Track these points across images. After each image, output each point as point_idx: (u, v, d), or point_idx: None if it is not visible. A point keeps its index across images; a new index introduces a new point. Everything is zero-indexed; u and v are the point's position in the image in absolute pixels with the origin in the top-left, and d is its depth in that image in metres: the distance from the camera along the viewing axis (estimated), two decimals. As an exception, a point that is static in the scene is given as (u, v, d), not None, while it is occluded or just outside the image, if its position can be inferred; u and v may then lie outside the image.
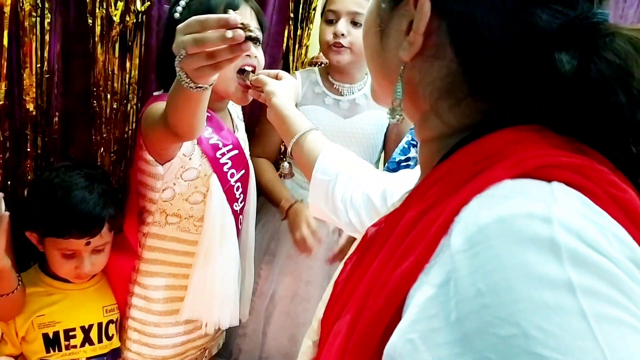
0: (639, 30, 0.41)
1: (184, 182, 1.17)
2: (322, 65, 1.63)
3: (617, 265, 0.32)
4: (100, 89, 1.32)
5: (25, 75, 1.22)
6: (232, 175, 1.23)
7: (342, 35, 1.39)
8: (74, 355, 1.22)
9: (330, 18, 1.42)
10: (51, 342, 1.19)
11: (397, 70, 0.49)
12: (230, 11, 0.73)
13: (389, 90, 0.51)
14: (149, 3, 1.31)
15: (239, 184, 1.25)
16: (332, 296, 0.56)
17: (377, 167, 1.60)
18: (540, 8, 0.41)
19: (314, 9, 1.60)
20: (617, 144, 0.40)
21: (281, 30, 1.57)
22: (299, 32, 1.62)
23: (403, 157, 1.44)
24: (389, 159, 1.51)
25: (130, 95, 1.37)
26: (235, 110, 1.38)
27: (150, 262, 1.24)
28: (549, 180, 0.37)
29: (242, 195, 1.28)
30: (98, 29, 1.27)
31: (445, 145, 0.47)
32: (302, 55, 1.66)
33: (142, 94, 1.39)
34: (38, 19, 1.21)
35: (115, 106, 1.35)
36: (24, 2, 1.17)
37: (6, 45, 1.18)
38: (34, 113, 1.25)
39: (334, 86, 1.52)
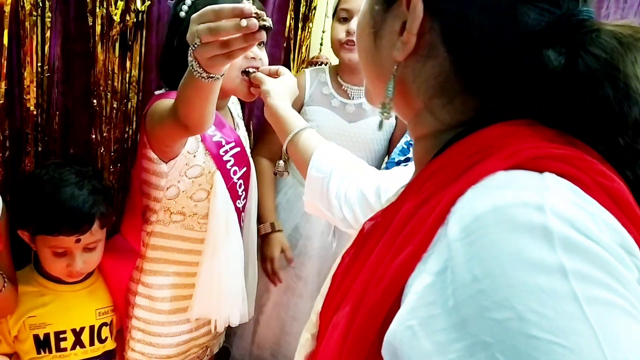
0: (623, 26, 0.42)
1: (188, 179, 1.18)
2: (322, 65, 1.63)
3: (608, 250, 0.33)
4: (101, 88, 1.32)
5: (25, 74, 1.22)
6: (235, 172, 1.24)
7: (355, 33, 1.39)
8: (65, 357, 1.21)
9: (343, 16, 1.43)
10: (42, 344, 1.18)
11: (391, 70, 0.50)
12: (245, 0, 0.73)
13: (382, 90, 0.52)
14: (149, 2, 1.32)
15: (241, 181, 1.26)
16: (330, 289, 0.56)
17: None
18: (528, 7, 0.43)
19: (315, 8, 1.60)
20: (605, 137, 0.41)
21: (281, 30, 1.58)
22: (299, 31, 1.62)
23: (402, 158, 1.44)
24: (388, 159, 1.51)
25: (130, 95, 1.38)
26: (235, 108, 1.39)
27: (154, 261, 1.25)
28: (541, 171, 0.38)
29: (244, 192, 1.29)
30: (98, 28, 1.28)
31: (439, 142, 0.48)
32: (303, 55, 1.66)
33: (142, 93, 1.39)
34: (38, 18, 1.21)
35: (115, 105, 1.36)
36: (25, 1, 1.18)
37: (6, 45, 1.18)
38: (34, 112, 1.26)
39: (342, 87, 1.52)
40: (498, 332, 0.31)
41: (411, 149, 1.40)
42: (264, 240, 1.50)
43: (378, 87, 0.54)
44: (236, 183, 1.24)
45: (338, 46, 1.46)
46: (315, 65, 1.65)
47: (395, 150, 1.49)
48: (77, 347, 1.21)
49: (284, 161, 0.98)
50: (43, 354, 1.18)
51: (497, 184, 0.37)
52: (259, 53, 1.16)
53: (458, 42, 0.46)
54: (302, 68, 1.65)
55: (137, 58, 1.36)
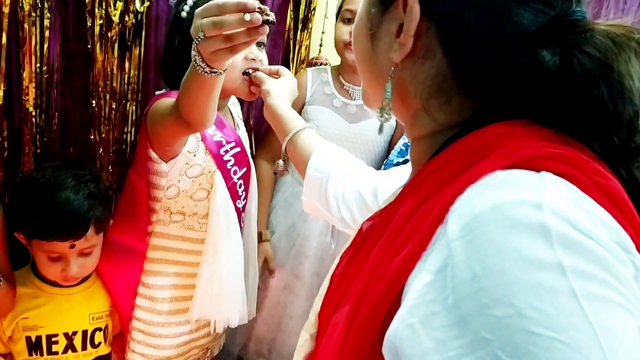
0: (616, 26, 0.42)
1: (188, 179, 1.18)
2: (322, 65, 1.63)
3: (605, 247, 0.34)
4: (100, 89, 1.32)
5: (24, 75, 1.22)
6: (235, 172, 1.24)
7: None
8: (56, 361, 1.20)
9: (347, 17, 1.43)
10: (34, 346, 1.17)
11: (388, 71, 0.51)
12: None
13: (380, 92, 0.53)
14: (148, 3, 1.32)
15: (241, 181, 1.26)
16: (329, 289, 0.56)
17: (377, 173, 1.61)
18: (523, 8, 0.43)
19: (314, 9, 1.60)
20: (600, 135, 0.42)
21: (280, 31, 1.58)
22: (298, 32, 1.62)
23: (401, 159, 1.44)
24: (386, 160, 1.51)
25: (129, 95, 1.38)
26: (235, 109, 1.39)
27: (155, 261, 1.24)
28: (538, 170, 0.38)
29: (244, 192, 1.29)
30: (97, 29, 1.28)
31: (436, 142, 0.49)
32: (302, 56, 1.67)
33: (141, 94, 1.39)
34: (37, 18, 1.21)
35: (114, 106, 1.36)
36: (24, 2, 1.18)
37: (5, 45, 1.18)
38: (33, 113, 1.26)
39: (344, 87, 1.52)
40: (498, 328, 0.32)
41: (409, 150, 1.41)
42: None
43: (376, 89, 0.55)
44: (236, 183, 1.24)
45: (342, 47, 1.46)
46: (314, 66, 1.65)
47: (393, 152, 1.49)
48: (69, 351, 1.20)
49: (283, 160, 0.98)
50: (35, 357, 1.17)
51: (495, 183, 0.38)
52: (259, 54, 1.17)
53: (454, 43, 0.46)
54: (302, 69, 1.66)
55: (136, 59, 1.36)
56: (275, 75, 1.12)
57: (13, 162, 1.27)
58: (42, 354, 1.18)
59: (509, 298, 0.32)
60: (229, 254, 1.23)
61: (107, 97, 1.34)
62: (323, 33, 1.72)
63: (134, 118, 1.41)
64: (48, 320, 1.18)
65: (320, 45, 1.75)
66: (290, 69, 1.61)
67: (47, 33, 1.23)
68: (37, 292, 1.19)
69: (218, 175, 1.20)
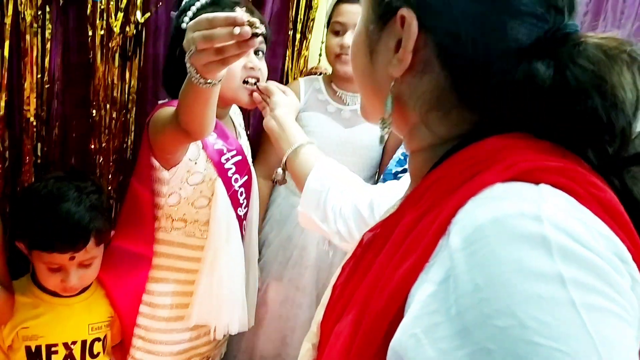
0: (608, 38, 0.44)
1: (190, 186, 1.19)
2: (323, 74, 1.64)
3: (603, 259, 0.35)
4: (100, 98, 1.33)
5: (25, 85, 1.23)
6: (236, 180, 1.25)
7: (350, 47, 1.40)
8: (55, 371, 1.20)
9: (337, 29, 1.44)
10: (33, 356, 1.17)
11: (388, 86, 0.52)
12: (238, 9, 0.75)
13: (380, 106, 0.54)
14: (148, 14, 1.33)
15: (242, 189, 1.27)
16: (331, 299, 0.57)
17: (374, 179, 1.60)
18: (517, 22, 0.45)
19: (313, 20, 1.61)
20: (594, 145, 0.43)
21: (279, 40, 1.59)
22: (297, 42, 1.64)
23: (400, 169, 1.45)
24: (385, 170, 1.52)
25: (129, 105, 1.39)
26: (237, 118, 1.40)
27: (156, 268, 1.25)
28: (537, 183, 0.39)
29: (245, 200, 1.30)
30: (98, 40, 1.29)
31: (435, 154, 0.50)
32: (301, 66, 1.68)
33: (139, 102, 1.40)
34: (39, 29, 1.22)
35: (114, 116, 1.37)
36: (25, 13, 1.19)
37: (7, 56, 1.19)
38: (33, 122, 1.26)
39: (337, 94, 1.53)
40: (500, 339, 0.33)
41: (407, 162, 1.42)
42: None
43: (375, 103, 0.56)
44: (237, 191, 1.25)
45: (333, 58, 1.47)
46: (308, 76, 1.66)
47: (392, 162, 1.49)
48: (68, 360, 1.21)
49: (282, 170, 0.99)
50: (34, 366, 1.17)
51: (495, 196, 0.39)
52: (258, 63, 1.19)
53: (452, 58, 0.47)
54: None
55: (137, 69, 1.37)
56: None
57: (13, 171, 1.28)
58: (41, 364, 1.18)
59: (510, 309, 0.33)
60: (228, 261, 1.24)
61: (108, 106, 1.35)
62: (322, 43, 1.74)
63: (134, 127, 1.41)
64: (48, 330, 1.18)
65: (320, 55, 1.76)
66: (289, 79, 1.62)
67: (48, 44, 1.24)
68: (37, 302, 1.19)
69: (219, 183, 1.21)
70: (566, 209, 0.37)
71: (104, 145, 1.37)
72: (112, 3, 1.29)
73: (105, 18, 1.28)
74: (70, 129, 1.33)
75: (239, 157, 1.26)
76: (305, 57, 1.67)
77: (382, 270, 0.45)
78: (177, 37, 1.17)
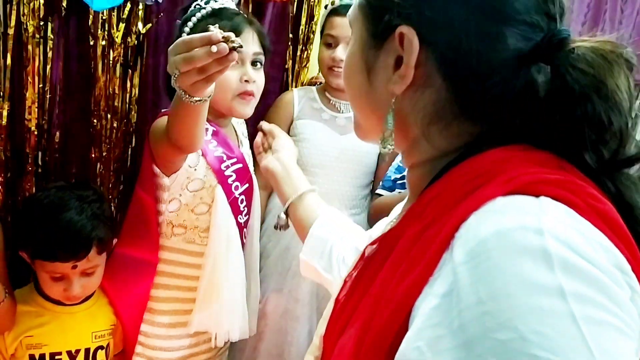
0: (603, 42, 0.45)
1: (190, 192, 1.20)
2: (320, 84, 1.65)
3: (603, 271, 0.36)
4: (101, 108, 1.34)
5: (27, 95, 1.24)
6: (237, 187, 1.26)
7: (342, 60, 1.42)
8: (59, 379, 1.20)
9: (329, 42, 1.46)
10: None
11: (387, 103, 0.52)
12: (211, 27, 0.77)
13: (378, 124, 0.54)
14: (150, 25, 1.34)
15: (243, 197, 1.28)
16: (333, 312, 0.57)
17: (371, 186, 1.61)
18: (514, 31, 0.46)
19: (314, 33, 1.62)
20: (592, 147, 0.44)
21: (279, 51, 1.60)
22: (298, 53, 1.65)
23: (399, 175, 1.45)
24: (383, 176, 1.52)
25: (130, 115, 1.40)
26: (240, 128, 1.41)
27: (157, 275, 1.25)
28: (537, 195, 0.40)
29: (246, 208, 1.30)
30: (99, 50, 1.30)
31: (434, 167, 0.50)
32: (302, 78, 1.68)
33: (141, 112, 1.41)
34: (41, 40, 1.23)
35: (115, 125, 1.37)
36: (28, 23, 1.20)
37: (10, 66, 1.20)
38: (35, 132, 1.27)
39: (331, 102, 1.54)
40: (502, 352, 0.33)
41: (406, 176, 1.42)
42: None
43: (374, 121, 0.56)
44: (238, 198, 1.26)
45: (326, 71, 1.49)
46: (313, 86, 1.67)
47: (391, 169, 1.50)
48: (72, 368, 1.21)
49: (285, 214, 0.98)
50: (38, 374, 1.18)
51: (497, 209, 0.39)
52: (253, 75, 1.20)
53: (454, 70, 0.48)
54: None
55: (138, 79, 1.38)
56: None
57: (15, 181, 1.28)
58: (45, 372, 1.18)
59: (512, 322, 0.33)
60: (228, 268, 1.24)
61: (109, 116, 1.35)
62: (320, 54, 1.74)
63: (134, 137, 1.42)
64: (52, 338, 1.18)
65: (320, 65, 1.76)
66: (289, 89, 1.63)
67: (50, 54, 1.25)
68: (41, 311, 1.19)
69: (219, 190, 1.21)
70: (567, 221, 0.38)
71: (104, 154, 1.37)
72: (113, 14, 1.30)
73: (106, 28, 1.29)
74: (72, 138, 1.33)
75: (240, 165, 1.27)
76: (307, 68, 1.68)
77: (386, 284, 0.45)
78: None
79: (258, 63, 1.24)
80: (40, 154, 1.30)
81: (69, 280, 1.15)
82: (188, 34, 1.16)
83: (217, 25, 0.80)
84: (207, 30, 1.13)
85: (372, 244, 0.57)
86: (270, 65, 1.55)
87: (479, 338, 0.34)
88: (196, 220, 1.23)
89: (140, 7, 1.33)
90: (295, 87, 1.67)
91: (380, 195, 1.50)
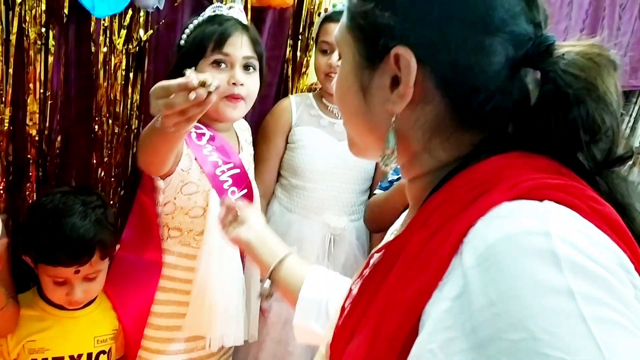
0: (590, 45, 0.47)
1: (184, 195, 1.21)
2: (317, 90, 1.66)
3: (609, 271, 0.37)
4: (103, 114, 1.34)
5: (29, 100, 1.24)
6: (233, 192, 1.26)
7: (338, 66, 1.42)
8: (62, 383, 1.20)
9: (324, 48, 1.46)
10: None
11: (386, 123, 0.52)
12: (187, 71, 0.79)
13: (377, 144, 0.55)
14: (151, 31, 1.35)
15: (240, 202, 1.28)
16: (339, 320, 0.58)
17: (369, 192, 1.61)
18: (506, 42, 0.47)
19: (313, 39, 1.64)
20: (585, 147, 0.46)
21: (276, 56, 1.61)
22: (297, 59, 1.66)
23: (396, 177, 1.47)
24: (381, 179, 1.53)
25: (132, 120, 1.40)
26: (243, 134, 1.42)
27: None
28: (541, 200, 0.41)
29: None
30: (101, 56, 1.31)
31: (435, 178, 0.52)
32: (302, 85, 1.69)
33: (143, 117, 1.42)
34: (43, 46, 1.24)
35: (117, 131, 1.38)
36: (29, 30, 1.20)
37: (12, 72, 1.21)
38: (36, 138, 1.27)
39: (329, 108, 1.55)
40: (514, 352, 0.35)
41: (407, 189, 1.42)
42: None
43: (371, 140, 0.57)
44: (234, 203, 1.27)
45: (323, 77, 1.49)
46: (312, 92, 1.67)
47: (391, 170, 1.51)
48: (74, 373, 1.22)
49: (270, 281, 0.90)
50: (40, 379, 1.18)
51: (503, 214, 0.41)
52: (241, 78, 1.22)
53: (452, 86, 0.49)
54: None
55: (139, 85, 1.38)
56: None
57: (16, 186, 1.29)
58: (47, 377, 1.18)
59: (523, 322, 0.35)
60: (223, 272, 1.25)
61: (110, 122, 1.36)
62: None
63: (135, 142, 1.43)
64: (54, 343, 1.19)
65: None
66: (289, 94, 1.64)
67: (51, 60, 1.26)
68: (44, 315, 1.20)
69: (213, 194, 1.22)
70: (571, 223, 0.39)
71: (105, 159, 1.38)
72: (115, 20, 1.31)
73: (108, 35, 1.30)
74: (73, 143, 1.34)
75: (237, 171, 1.27)
76: (307, 74, 1.68)
77: (394, 290, 0.46)
78: (179, 54, 1.23)
79: (250, 67, 1.25)
80: (41, 159, 1.31)
81: (71, 285, 1.15)
82: (186, 40, 1.21)
83: (193, 68, 0.82)
84: (199, 44, 1.17)
85: (377, 251, 0.58)
86: (269, 71, 1.56)
87: (491, 339, 0.36)
88: (191, 223, 1.24)
89: (142, 14, 1.34)
90: (295, 93, 1.68)
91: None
